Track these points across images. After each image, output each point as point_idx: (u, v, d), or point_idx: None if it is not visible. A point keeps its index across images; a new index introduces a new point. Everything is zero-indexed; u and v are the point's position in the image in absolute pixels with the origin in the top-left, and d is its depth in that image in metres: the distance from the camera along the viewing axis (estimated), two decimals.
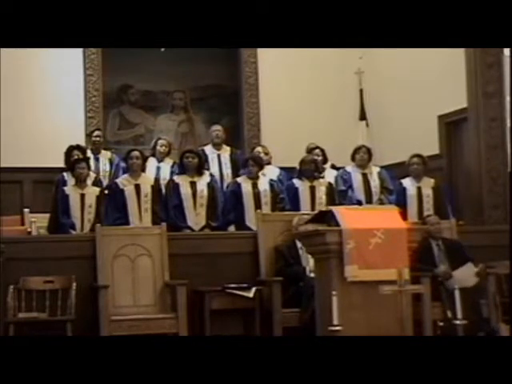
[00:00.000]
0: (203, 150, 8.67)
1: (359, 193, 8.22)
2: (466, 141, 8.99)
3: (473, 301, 6.48)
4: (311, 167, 8.07)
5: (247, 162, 8.02)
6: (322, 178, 8.29)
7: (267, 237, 7.21)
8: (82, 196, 7.48)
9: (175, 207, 7.74)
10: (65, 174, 7.84)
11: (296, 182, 8.10)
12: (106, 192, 7.76)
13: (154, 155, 8.59)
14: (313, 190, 8.02)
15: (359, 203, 8.02)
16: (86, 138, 9.49)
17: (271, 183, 8.04)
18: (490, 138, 8.38)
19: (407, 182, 8.08)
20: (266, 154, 8.91)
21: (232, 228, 7.80)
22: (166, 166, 8.57)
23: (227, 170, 8.69)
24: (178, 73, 10.34)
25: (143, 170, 7.92)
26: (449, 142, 9.51)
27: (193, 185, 7.83)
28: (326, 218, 5.84)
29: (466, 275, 6.64)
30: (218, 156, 8.77)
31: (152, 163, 8.41)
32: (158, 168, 8.49)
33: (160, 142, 8.78)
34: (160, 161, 8.59)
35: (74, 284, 6.57)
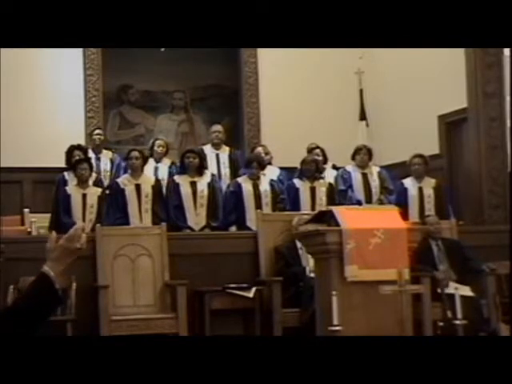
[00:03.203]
0: (202, 150, 8.67)
1: (359, 193, 8.22)
2: (466, 141, 9.00)
3: (473, 301, 6.48)
4: (312, 167, 8.07)
5: (251, 164, 7.99)
6: (323, 178, 8.29)
7: (267, 237, 7.21)
8: (84, 196, 7.50)
9: (175, 207, 7.74)
10: (65, 173, 7.85)
11: (296, 182, 8.10)
12: (107, 192, 7.77)
13: (151, 155, 8.59)
14: (313, 190, 8.02)
15: (359, 203, 8.02)
16: (87, 138, 9.50)
17: (272, 183, 8.04)
18: (489, 138, 8.39)
19: (408, 182, 8.08)
20: (267, 154, 8.92)
21: (233, 228, 7.80)
22: (164, 167, 8.58)
23: (225, 170, 8.70)
24: (178, 73, 10.35)
25: (142, 169, 7.93)
26: (449, 142, 9.52)
27: (193, 185, 7.83)
28: (326, 217, 5.85)
29: (463, 290, 6.59)
30: (217, 156, 8.77)
31: (150, 164, 8.41)
32: (156, 168, 8.51)
33: (157, 142, 8.78)
34: (158, 161, 8.60)
35: (74, 284, 6.57)
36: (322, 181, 8.16)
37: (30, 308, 2.34)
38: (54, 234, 2.51)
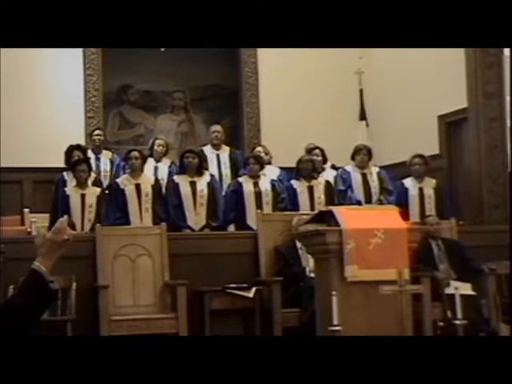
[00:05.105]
0: (202, 151, 8.67)
1: (358, 193, 8.22)
2: (466, 141, 9.00)
3: (473, 301, 6.47)
4: (309, 166, 8.07)
5: (248, 161, 8.03)
6: (321, 177, 8.29)
7: (267, 237, 7.21)
8: (83, 196, 7.49)
9: (175, 207, 7.74)
10: (65, 173, 7.84)
11: (294, 182, 8.09)
12: (107, 192, 7.77)
13: (151, 155, 8.60)
14: (311, 189, 8.02)
15: (359, 203, 8.02)
16: (87, 138, 9.50)
17: (272, 183, 8.05)
18: (489, 138, 8.39)
19: (409, 183, 8.08)
20: (266, 154, 8.92)
21: (231, 227, 7.80)
22: (164, 166, 8.59)
23: (226, 170, 8.70)
24: (178, 73, 10.35)
25: (142, 169, 7.93)
26: (449, 142, 9.52)
27: (193, 184, 7.83)
28: (326, 217, 5.85)
29: (463, 288, 6.58)
30: (217, 156, 8.77)
31: (149, 163, 8.41)
32: (156, 168, 8.51)
33: (157, 142, 8.79)
34: (157, 161, 8.61)
35: (74, 284, 6.57)
36: (319, 179, 8.16)
37: (24, 304, 2.35)
38: (42, 230, 2.57)
